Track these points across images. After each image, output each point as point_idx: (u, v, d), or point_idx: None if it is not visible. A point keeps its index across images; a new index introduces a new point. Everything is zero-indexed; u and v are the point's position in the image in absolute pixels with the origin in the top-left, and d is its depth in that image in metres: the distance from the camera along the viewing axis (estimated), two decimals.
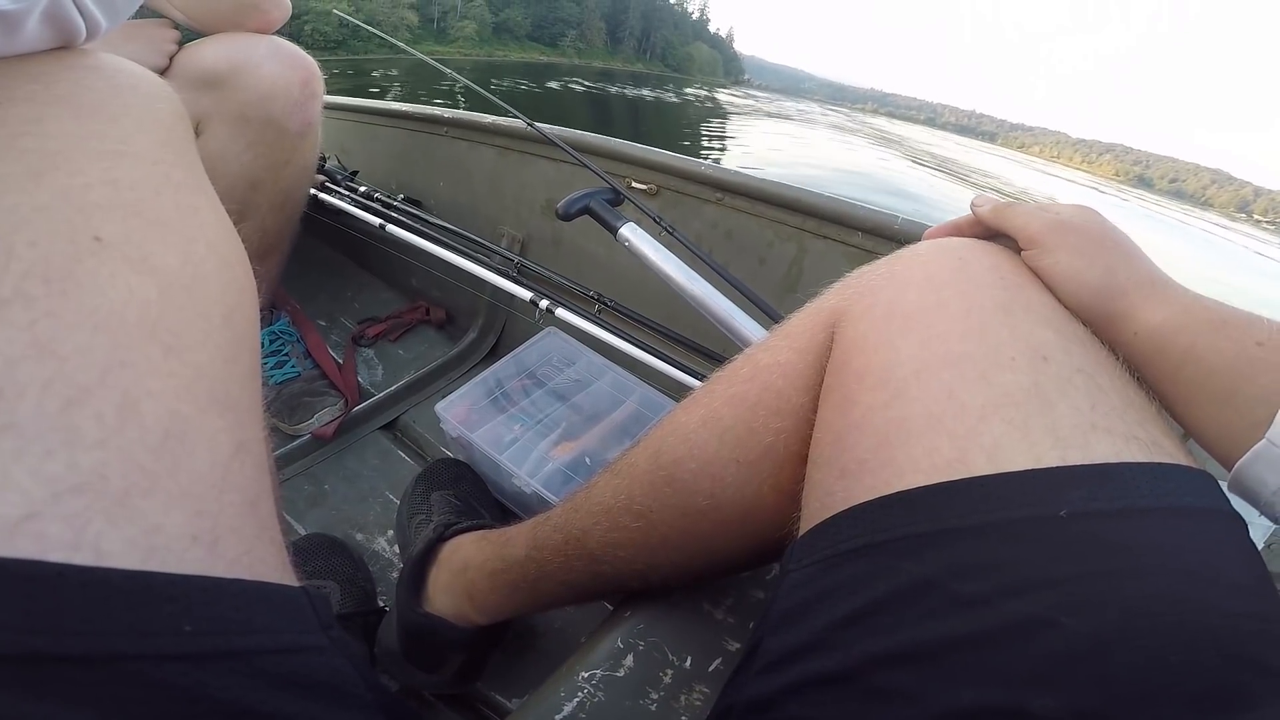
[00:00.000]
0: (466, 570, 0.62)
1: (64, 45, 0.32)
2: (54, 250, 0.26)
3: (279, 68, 0.91)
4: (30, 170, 0.27)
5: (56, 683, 0.21)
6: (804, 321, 0.44)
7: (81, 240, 0.27)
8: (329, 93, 1.02)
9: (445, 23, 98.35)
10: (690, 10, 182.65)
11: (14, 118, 0.28)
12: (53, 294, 0.25)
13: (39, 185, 0.27)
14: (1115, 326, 0.36)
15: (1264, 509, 0.31)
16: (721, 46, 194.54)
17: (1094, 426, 0.31)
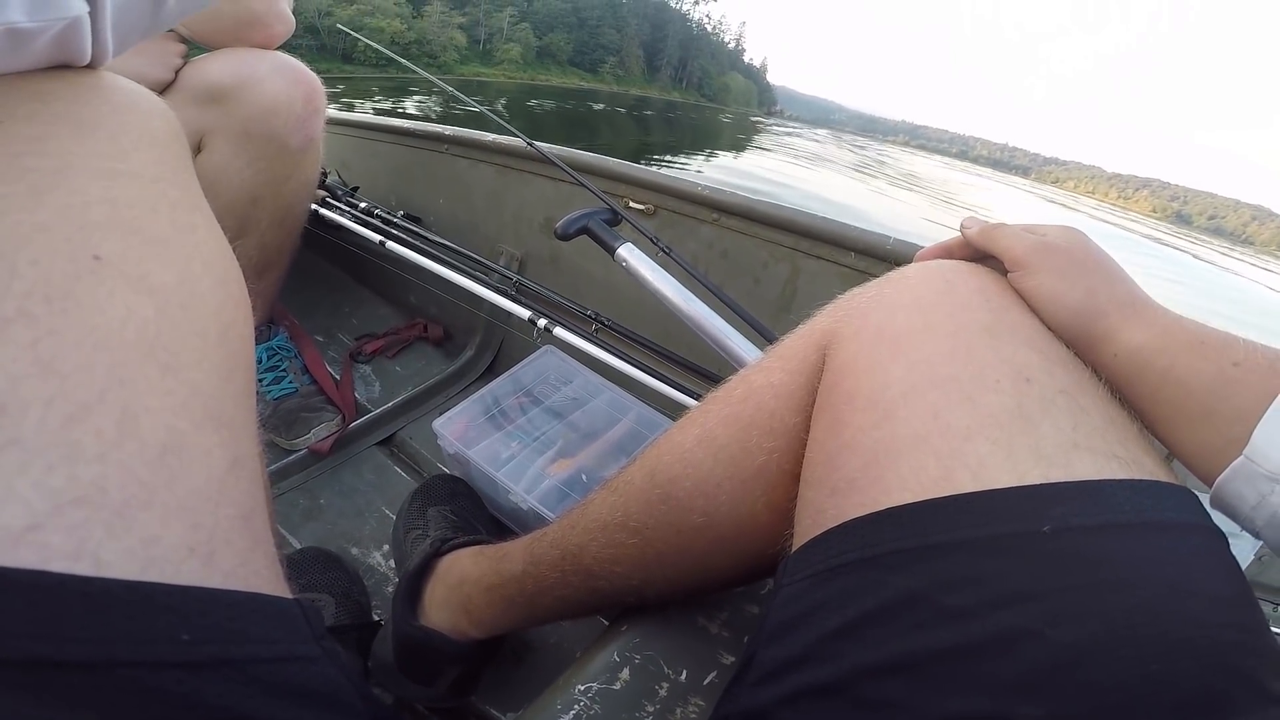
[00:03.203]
0: (463, 585, 0.62)
1: (65, 64, 0.32)
2: (55, 269, 0.27)
3: (282, 84, 0.92)
4: (32, 189, 0.28)
5: (58, 688, 0.22)
6: (796, 343, 0.45)
7: (81, 259, 0.28)
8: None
9: (491, 44, 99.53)
10: (726, 40, 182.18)
11: (15, 136, 0.29)
12: (54, 313, 0.26)
13: (40, 204, 0.28)
14: (1096, 347, 0.37)
15: (1244, 524, 0.32)
16: (755, 77, 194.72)
17: (1076, 445, 0.32)
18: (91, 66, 0.33)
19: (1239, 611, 0.28)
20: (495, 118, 1.22)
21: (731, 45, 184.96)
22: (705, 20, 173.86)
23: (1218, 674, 0.26)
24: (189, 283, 0.32)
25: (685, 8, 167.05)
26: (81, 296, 0.27)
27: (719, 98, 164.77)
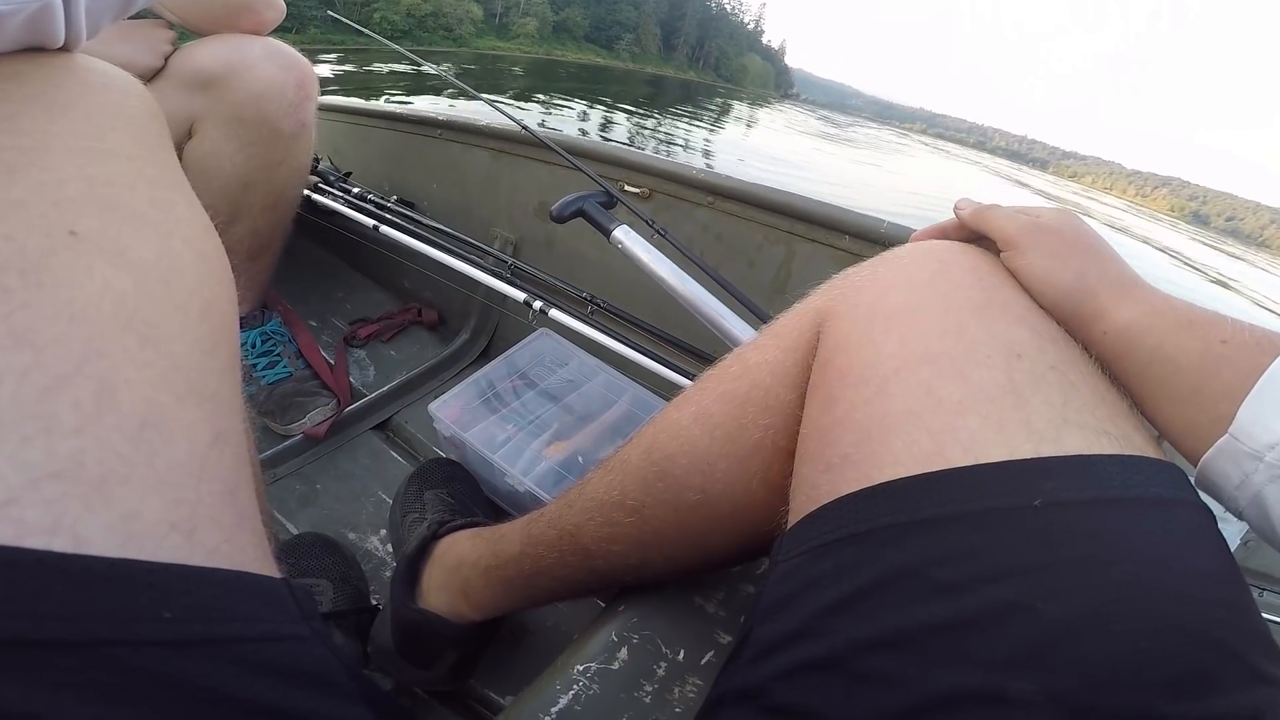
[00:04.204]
0: (461, 567, 0.63)
1: (37, 47, 0.32)
2: (30, 244, 0.26)
3: (274, 69, 0.92)
4: (6, 166, 0.28)
5: (37, 667, 0.21)
6: (792, 321, 0.45)
7: (57, 234, 0.27)
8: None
9: (508, 18, 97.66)
10: (745, 21, 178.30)
11: None
12: (29, 286, 0.26)
13: (14, 181, 0.27)
14: (1087, 326, 0.37)
15: (1227, 503, 0.33)
16: (773, 59, 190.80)
17: (1066, 421, 0.32)
18: (65, 49, 0.33)
19: (1227, 588, 0.29)
20: (493, 105, 1.22)
21: (750, 26, 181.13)
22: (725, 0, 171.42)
23: (1207, 651, 0.26)
24: (169, 258, 0.31)
25: None
26: (57, 270, 0.27)
27: (736, 79, 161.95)
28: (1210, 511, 0.31)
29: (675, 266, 0.81)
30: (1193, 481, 0.33)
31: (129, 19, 0.91)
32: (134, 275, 0.29)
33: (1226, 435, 0.31)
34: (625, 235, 0.83)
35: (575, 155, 1.03)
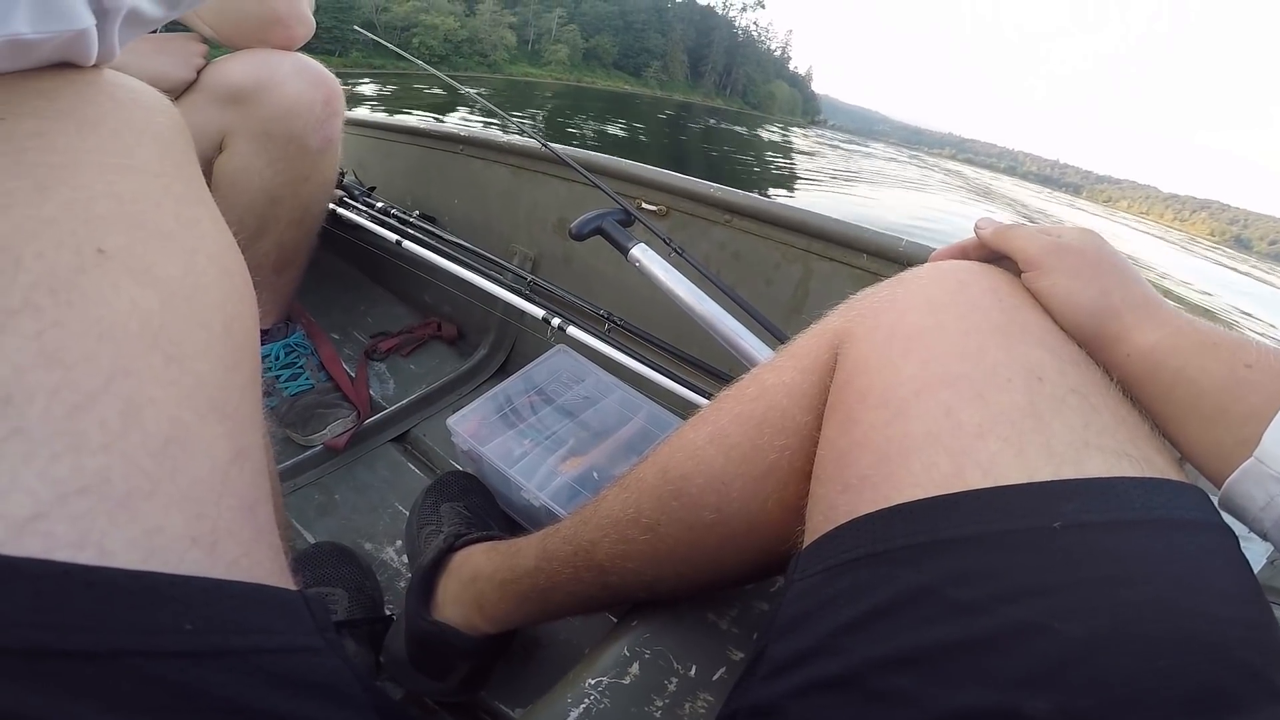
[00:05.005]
0: (476, 580, 0.63)
1: (68, 63, 0.33)
2: (60, 262, 0.27)
3: (302, 85, 0.94)
4: (38, 184, 0.28)
5: (61, 677, 0.22)
6: (809, 342, 0.45)
7: (86, 252, 0.28)
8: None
9: (540, 45, 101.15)
10: (773, 47, 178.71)
11: (20, 132, 0.29)
12: (59, 304, 0.26)
13: (46, 198, 0.28)
14: (1109, 347, 0.37)
15: (1252, 525, 0.32)
16: (800, 85, 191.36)
17: (1087, 444, 0.32)
18: (96, 66, 0.34)
19: (1248, 608, 0.28)
20: (513, 121, 1.24)
21: (778, 53, 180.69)
22: (752, 27, 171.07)
23: (1226, 670, 0.26)
24: (193, 275, 0.32)
25: (732, 14, 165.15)
26: (86, 289, 0.27)
27: (763, 105, 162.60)
28: (1232, 533, 0.31)
29: (692, 285, 0.82)
30: (1216, 504, 0.33)
31: (163, 32, 0.93)
32: (160, 293, 0.30)
33: (1252, 458, 0.31)
34: (643, 253, 0.84)
35: (594, 172, 1.04)
